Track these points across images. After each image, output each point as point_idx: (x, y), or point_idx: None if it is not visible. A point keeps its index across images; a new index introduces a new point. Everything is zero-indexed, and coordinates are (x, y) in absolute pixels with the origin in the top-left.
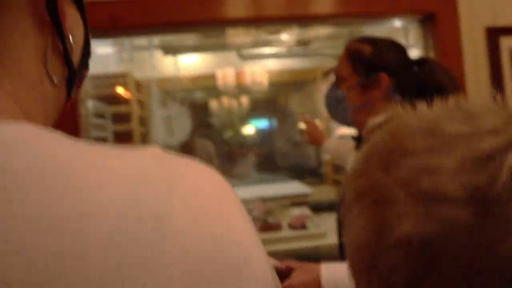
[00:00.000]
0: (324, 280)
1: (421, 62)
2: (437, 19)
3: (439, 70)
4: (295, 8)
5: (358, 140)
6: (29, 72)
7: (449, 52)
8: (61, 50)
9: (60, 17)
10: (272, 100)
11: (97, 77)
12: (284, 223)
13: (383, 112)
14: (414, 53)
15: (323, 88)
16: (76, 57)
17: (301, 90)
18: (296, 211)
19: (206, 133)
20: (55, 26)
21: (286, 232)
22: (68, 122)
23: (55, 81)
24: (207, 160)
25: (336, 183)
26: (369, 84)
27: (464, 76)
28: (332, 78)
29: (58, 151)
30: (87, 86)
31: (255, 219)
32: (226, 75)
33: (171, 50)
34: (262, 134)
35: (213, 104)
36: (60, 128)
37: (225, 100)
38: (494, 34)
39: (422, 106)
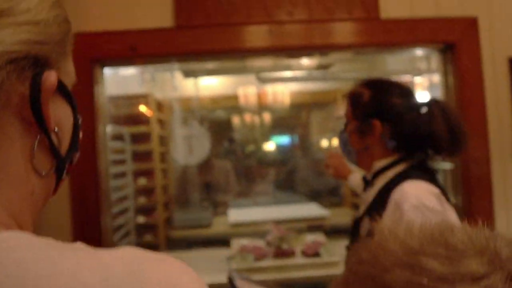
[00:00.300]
0: None
1: (426, 105)
2: (457, 49)
3: (442, 116)
4: (316, 38)
5: (365, 182)
6: (16, 171)
7: (470, 81)
8: (48, 144)
9: (45, 116)
10: (292, 119)
11: (120, 98)
12: (298, 250)
13: (381, 158)
14: (436, 78)
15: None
16: (64, 145)
17: (321, 110)
18: (311, 237)
19: (226, 152)
20: (40, 126)
21: (299, 259)
22: (85, 145)
23: (43, 173)
24: (225, 180)
25: (355, 205)
26: (364, 130)
27: (485, 106)
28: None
29: (30, 264)
30: (108, 108)
31: (269, 244)
32: (247, 94)
33: (191, 73)
34: (282, 153)
35: (234, 122)
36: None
37: (247, 117)
38: None
39: (406, 227)
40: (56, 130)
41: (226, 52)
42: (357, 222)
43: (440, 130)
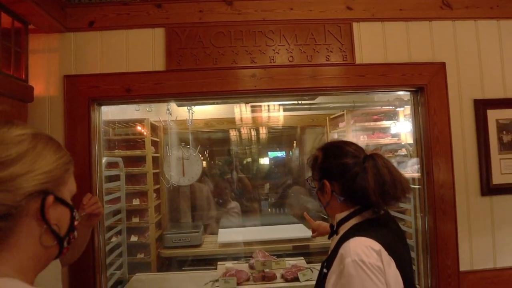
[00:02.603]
0: None
1: (363, 161)
2: (427, 91)
3: (372, 171)
4: (296, 82)
5: (332, 230)
6: (28, 246)
7: (437, 120)
8: (50, 231)
9: (47, 218)
10: (284, 139)
11: (118, 123)
12: (279, 274)
13: (342, 211)
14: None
15: (330, 130)
16: (63, 229)
17: (312, 132)
18: (291, 262)
19: (214, 174)
20: (45, 222)
21: (279, 283)
22: (82, 174)
23: (47, 245)
24: (206, 199)
25: None
26: (321, 189)
27: (451, 143)
28: None
29: None
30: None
31: (251, 267)
32: (241, 113)
33: (184, 104)
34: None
35: (227, 142)
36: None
37: (243, 133)
38: (481, 106)
39: None
40: (55, 223)
41: (213, 94)
42: (322, 265)
43: (368, 184)
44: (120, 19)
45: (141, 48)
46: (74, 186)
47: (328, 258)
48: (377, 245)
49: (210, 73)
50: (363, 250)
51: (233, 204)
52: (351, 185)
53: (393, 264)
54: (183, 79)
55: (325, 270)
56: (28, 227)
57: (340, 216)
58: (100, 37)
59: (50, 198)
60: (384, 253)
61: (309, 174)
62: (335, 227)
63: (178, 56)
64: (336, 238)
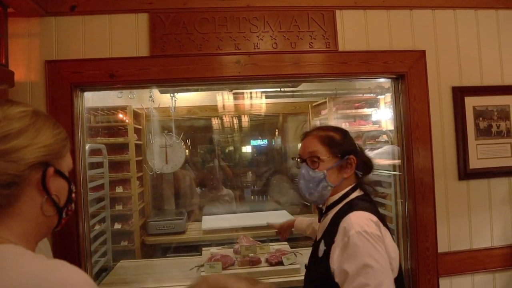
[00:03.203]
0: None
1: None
2: (407, 79)
3: (362, 149)
4: (280, 69)
5: (320, 212)
6: (31, 213)
7: (417, 107)
8: (51, 200)
9: (48, 187)
10: (266, 127)
11: (100, 110)
12: (263, 259)
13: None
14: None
15: (312, 118)
16: (62, 201)
17: (294, 120)
18: (275, 247)
19: (196, 162)
20: (46, 192)
21: (264, 267)
22: None
23: (47, 215)
24: (189, 187)
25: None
26: (343, 165)
27: (430, 128)
28: (302, 165)
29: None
30: (86, 125)
31: (236, 252)
32: (224, 100)
33: (167, 91)
34: (256, 160)
35: (210, 130)
36: None
37: (226, 120)
38: (459, 93)
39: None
40: (55, 193)
41: (197, 80)
42: (315, 245)
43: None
44: (103, 4)
45: (124, 34)
46: (71, 161)
47: (325, 236)
48: (374, 217)
49: (194, 59)
50: (365, 222)
51: (225, 192)
52: (364, 157)
53: (388, 234)
54: (167, 65)
55: (324, 248)
56: (30, 196)
57: (341, 193)
58: (82, 21)
59: (51, 169)
60: (380, 224)
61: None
62: (324, 209)
63: (162, 42)
64: (327, 218)
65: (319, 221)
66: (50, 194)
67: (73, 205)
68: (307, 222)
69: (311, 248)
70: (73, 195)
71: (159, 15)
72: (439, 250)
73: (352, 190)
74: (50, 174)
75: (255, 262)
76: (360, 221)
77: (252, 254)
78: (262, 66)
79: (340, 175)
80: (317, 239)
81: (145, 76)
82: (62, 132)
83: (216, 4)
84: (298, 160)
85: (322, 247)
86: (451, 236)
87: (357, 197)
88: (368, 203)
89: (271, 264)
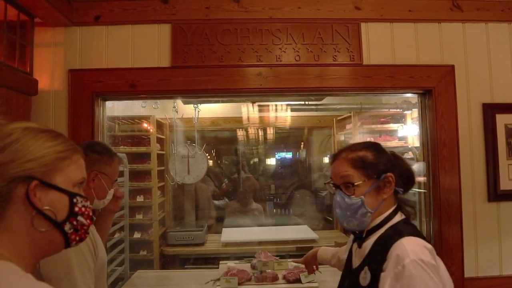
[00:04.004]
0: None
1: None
2: (435, 94)
3: (402, 159)
4: (302, 82)
5: (360, 238)
6: (20, 228)
7: (445, 124)
8: (42, 215)
9: (35, 202)
10: (292, 140)
11: (124, 119)
12: (281, 275)
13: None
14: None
15: (337, 132)
16: (61, 215)
17: (319, 133)
18: (294, 264)
19: (218, 173)
20: (33, 207)
21: (281, 284)
22: None
23: (41, 230)
24: (207, 199)
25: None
26: (381, 185)
27: (458, 147)
28: (337, 192)
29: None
30: (107, 134)
31: (253, 268)
32: (249, 112)
33: (190, 102)
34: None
35: (234, 141)
36: None
37: (250, 132)
38: (490, 110)
39: None
40: (48, 207)
41: (218, 91)
42: (353, 273)
43: (409, 168)
44: (126, 14)
45: (146, 44)
46: (78, 174)
47: (369, 263)
48: (428, 244)
49: (215, 71)
50: (420, 249)
51: (254, 206)
52: (406, 171)
53: (442, 263)
54: (188, 75)
55: (370, 276)
56: (17, 210)
57: (382, 216)
58: (105, 31)
59: (33, 183)
60: (434, 252)
61: (319, 180)
62: (364, 234)
63: (183, 53)
64: (367, 244)
65: (359, 246)
66: (39, 208)
67: (81, 218)
68: (331, 252)
69: (332, 268)
70: (83, 208)
71: (181, 26)
72: (466, 275)
73: (394, 212)
74: (31, 187)
75: (272, 279)
76: (415, 248)
77: (269, 270)
78: (284, 78)
79: (379, 197)
80: (355, 266)
81: (165, 86)
82: (60, 145)
83: (238, 16)
84: (332, 185)
85: (366, 275)
86: (479, 261)
87: (401, 220)
88: (413, 227)
89: (288, 281)
